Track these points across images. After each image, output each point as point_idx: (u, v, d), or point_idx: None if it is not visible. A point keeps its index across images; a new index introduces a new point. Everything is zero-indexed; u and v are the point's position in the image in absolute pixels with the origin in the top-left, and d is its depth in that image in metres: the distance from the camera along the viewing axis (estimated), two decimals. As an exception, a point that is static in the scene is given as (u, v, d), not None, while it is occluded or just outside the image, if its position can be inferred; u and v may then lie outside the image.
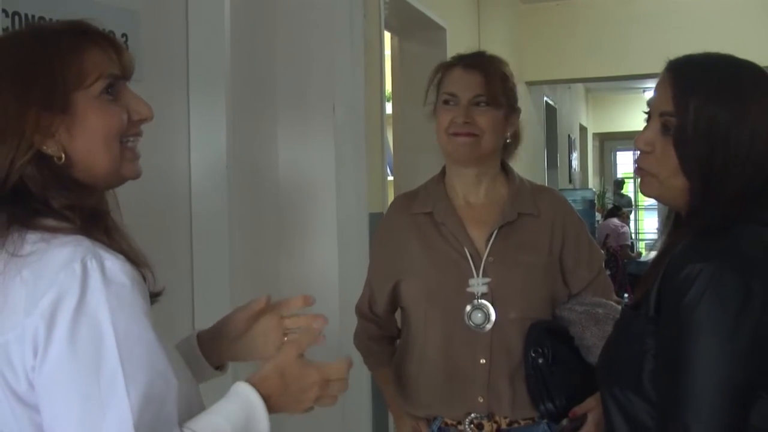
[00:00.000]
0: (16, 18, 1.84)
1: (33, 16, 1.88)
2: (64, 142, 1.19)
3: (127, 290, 1.13)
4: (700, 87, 1.38)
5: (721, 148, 1.35)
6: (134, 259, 1.20)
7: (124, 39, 2.14)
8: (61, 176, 1.20)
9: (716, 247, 1.33)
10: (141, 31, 2.25)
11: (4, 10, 1.81)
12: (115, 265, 1.14)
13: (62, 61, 1.19)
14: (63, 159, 1.19)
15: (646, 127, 1.45)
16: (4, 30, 1.79)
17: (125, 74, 1.27)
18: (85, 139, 1.20)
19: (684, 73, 1.41)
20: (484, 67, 2.05)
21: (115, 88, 1.24)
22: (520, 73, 7.41)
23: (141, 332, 1.13)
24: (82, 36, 1.23)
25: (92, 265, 1.11)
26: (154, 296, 1.24)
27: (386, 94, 4.37)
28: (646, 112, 1.46)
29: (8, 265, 1.14)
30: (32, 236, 1.15)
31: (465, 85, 2.04)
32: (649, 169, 1.44)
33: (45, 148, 1.19)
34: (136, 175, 1.29)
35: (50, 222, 1.17)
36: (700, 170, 1.37)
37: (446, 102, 2.06)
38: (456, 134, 2.03)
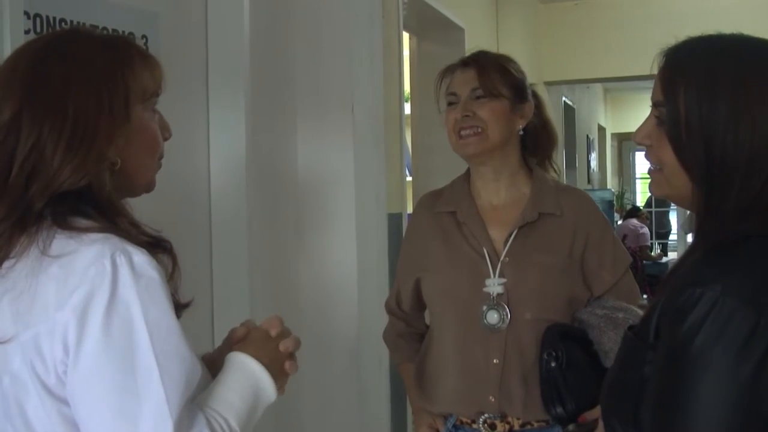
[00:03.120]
0: (38, 20, 1.86)
1: (54, 18, 1.89)
2: (120, 150, 1.25)
3: (156, 283, 1.18)
4: (692, 71, 1.20)
5: (719, 146, 1.16)
6: (159, 245, 1.25)
7: (143, 41, 2.15)
8: (116, 182, 1.26)
9: (721, 268, 1.13)
10: (160, 32, 2.26)
11: (26, 12, 1.83)
12: (142, 259, 1.18)
13: (132, 73, 1.28)
14: (119, 165, 1.25)
15: (645, 120, 1.29)
16: (26, 33, 1.81)
17: (160, 93, 1.35)
18: (138, 150, 1.29)
19: (675, 57, 1.24)
20: (479, 61, 2.08)
21: (156, 106, 1.34)
22: (539, 73, 7.39)
23: (170, 323, 1.18)
24: (141, 52, 1.33)
25: (121, 261, 1.16)
26: (181, 307, 1.27)
27: (405, 94, 4.37)
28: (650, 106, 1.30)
29: (37, 262, 1.17)
30: (61, 235, 1.19)
31: (462, 82, 2.07)
32: (654, 163, 1.28)
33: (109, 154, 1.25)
34: (154, 188, 1.38)
35: (81, 222, 1.20)
36: (700, 170, 1.18)
37: (450, 103, 2.08)
38: (461, 130, 2.04)
